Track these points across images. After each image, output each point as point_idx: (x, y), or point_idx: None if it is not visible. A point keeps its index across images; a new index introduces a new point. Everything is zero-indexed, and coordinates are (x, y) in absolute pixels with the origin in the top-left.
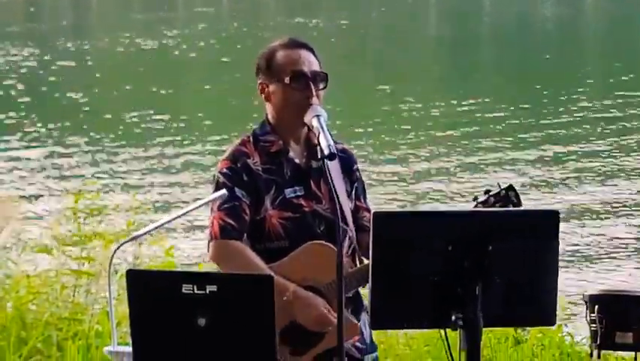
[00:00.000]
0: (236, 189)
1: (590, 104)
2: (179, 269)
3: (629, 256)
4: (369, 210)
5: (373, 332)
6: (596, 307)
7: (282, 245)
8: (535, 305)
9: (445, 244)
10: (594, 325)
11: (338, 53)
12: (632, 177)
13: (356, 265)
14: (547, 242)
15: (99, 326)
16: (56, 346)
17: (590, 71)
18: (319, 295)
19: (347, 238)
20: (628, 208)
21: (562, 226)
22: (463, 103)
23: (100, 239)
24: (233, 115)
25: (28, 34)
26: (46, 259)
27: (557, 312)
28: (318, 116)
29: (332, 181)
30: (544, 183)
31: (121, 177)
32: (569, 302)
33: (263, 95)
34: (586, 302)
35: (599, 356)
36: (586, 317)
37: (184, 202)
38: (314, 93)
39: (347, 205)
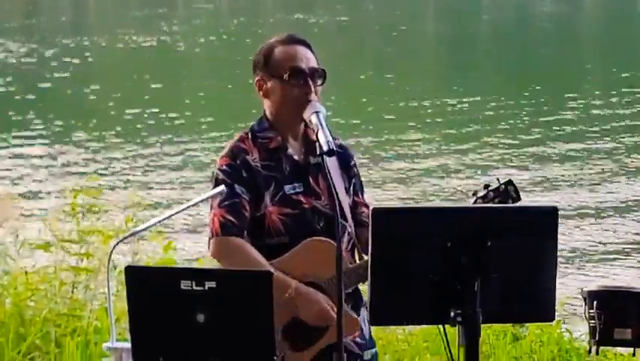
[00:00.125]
0: (236, 186)
1: (589, 102)
2: (178, 265)
3: (629, 254)
4: (367, 206)
5: (372, 328)
6: (595, 303)
7: (282, 241)
8: (533, 301)
9: (444, 240)
10: (593, 321)
11: (337, 50)
12: (630, 176)
13: (355, 261)
14: (546, 238)
15: (98, 322)
16: (55, 342)
17: (589, 69)
18: (320, 291)
19: (346, 234)
20: (627, 206)
21: (561, 224)
22: (463, 100)
23: (99, 235)
24: (232, 112)
25: (27, 30)
26: (45, 255)
27: (557, 308)
28: (317, 112)
29: (331, 177)
30: (543, 180)
31: (120, 174)
32: (567, 297)
33: (260, 92)
34: (584, 298)
35: (597, 352)
36: (584, 313)
37: (183, 199)
38: (312, 90)
39: (346, 201)
